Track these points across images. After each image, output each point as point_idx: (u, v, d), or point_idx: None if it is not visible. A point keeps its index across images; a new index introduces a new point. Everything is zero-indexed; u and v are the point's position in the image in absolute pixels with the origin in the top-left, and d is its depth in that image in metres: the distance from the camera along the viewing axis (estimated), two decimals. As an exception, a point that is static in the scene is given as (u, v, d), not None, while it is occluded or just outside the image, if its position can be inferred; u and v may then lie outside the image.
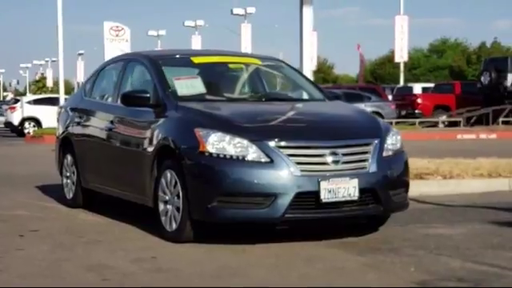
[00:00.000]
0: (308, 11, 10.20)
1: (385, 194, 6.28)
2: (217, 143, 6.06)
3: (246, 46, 41.71)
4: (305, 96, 7.66)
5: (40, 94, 52.39)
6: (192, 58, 7.72)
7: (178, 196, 6.26)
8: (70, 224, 7.48)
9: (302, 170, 5.98)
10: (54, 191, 9.65)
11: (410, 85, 40.22)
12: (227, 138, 6.07)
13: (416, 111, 32.32)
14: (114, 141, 7.53)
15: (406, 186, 6.66)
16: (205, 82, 7.25)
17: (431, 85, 39.75)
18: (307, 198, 6.00)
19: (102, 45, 28.05)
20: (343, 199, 6.07)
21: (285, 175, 5.94)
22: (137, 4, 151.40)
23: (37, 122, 30.88)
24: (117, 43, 28.10)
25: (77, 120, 8.51)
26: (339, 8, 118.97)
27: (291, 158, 5.99)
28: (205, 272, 5.35)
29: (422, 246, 6.15)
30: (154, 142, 6.66)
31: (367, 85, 44.75)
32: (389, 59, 64.30)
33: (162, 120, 6.70)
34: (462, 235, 6.68)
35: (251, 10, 45.06)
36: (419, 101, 33.17)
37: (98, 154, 7.95)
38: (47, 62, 79.57)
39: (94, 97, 8.56)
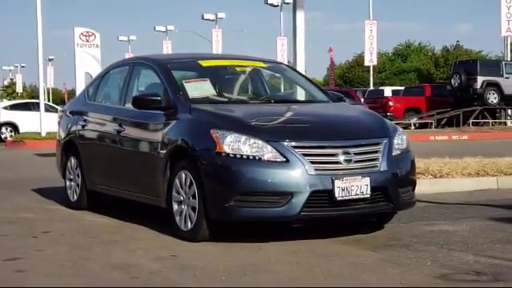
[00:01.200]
0: (301, 15, 10.38)
1: (395, 191, 6.47)
2: (233, 144, 6.18)
3: (218, 51, 41.81)
4: (310, 98, 7.83)
5: (10, 99, 51.89)
6: (200, 62, 7.83)
7: (194, 196, 6.37)
8: (80, 225, 7.55)
9: (316, 169, 6.13)
10: (52, 194, 9.72)
11: (381, 88, 40.62)
12: (243, 138, 6.19)
13: (388, 114, 32.71)
14: (124, 143, 7.61)
15: (414, 184, 6.88)
16: (213, 85, 7.39)
17: (401, 87, 40.21)
18: (322, 197, 6.15)
19: (71, 50, 28.01)
20: (356, 197, 6.24)
21: (300, 174, 6.09)
22: (107, 9, 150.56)
23: (14, 127, 30.70)
24: (87, 48, 28.05)
25: (81, 123, 8.57)
26: (305, 13, 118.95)
27: (306, 157, 6.14)
28: (229, 268, 5.47)
29: (432, 242, 6.35)
30: (167, 143, 6.76)
31: (340, 88, 45.13)
32: (358, 63, 64.77)
33: (174, 122, 6.81)
34: (467, 231, 6.88)
35: (222, 15, 45.20)
36: (391, 103, 33.63)
37: (105, 156, 8.01)
38: (16, 67, 78.95)
39: (98, 100, 8.64)
